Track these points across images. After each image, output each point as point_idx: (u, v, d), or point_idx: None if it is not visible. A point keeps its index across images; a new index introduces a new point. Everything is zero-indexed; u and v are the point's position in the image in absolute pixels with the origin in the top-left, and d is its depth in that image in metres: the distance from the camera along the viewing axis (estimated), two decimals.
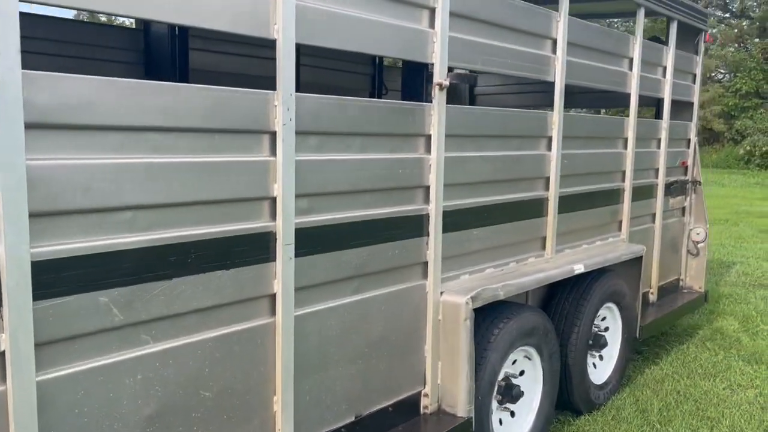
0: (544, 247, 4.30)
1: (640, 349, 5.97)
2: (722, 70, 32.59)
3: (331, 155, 2.80)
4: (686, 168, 6.29)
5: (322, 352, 2.85)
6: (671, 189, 5.98)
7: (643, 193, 5.50)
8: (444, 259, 3.44)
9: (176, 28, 4.84)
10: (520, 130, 3.94)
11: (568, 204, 4.44)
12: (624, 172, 5.14)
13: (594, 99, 7.22)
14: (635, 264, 5.09)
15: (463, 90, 7.20)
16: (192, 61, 4.98)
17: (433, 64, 3.27)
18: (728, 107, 29.91)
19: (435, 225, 3.35)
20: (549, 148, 4.21)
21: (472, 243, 3.66)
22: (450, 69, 3.46)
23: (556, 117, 4.20)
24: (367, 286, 3.07)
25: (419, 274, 3.36)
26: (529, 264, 4.12)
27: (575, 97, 7.33)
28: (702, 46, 6.22)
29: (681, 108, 6.31)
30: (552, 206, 4.25)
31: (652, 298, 5.86)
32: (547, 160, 4.19)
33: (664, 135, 5.67)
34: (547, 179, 4.23)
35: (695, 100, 6.25)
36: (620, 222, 5.20)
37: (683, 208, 6.36)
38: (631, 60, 5.06)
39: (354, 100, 2.95)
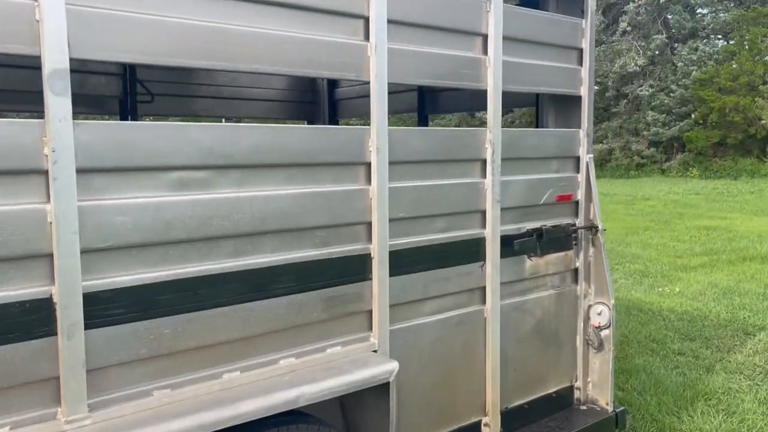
0: (57, 401, 2.10)
1: None
2: None
3: None
4: (575, 205, 3.81)
5: None
6: (532, 243, 3.54)
7: (439, 255, 3.14)
8: None
9: None
10: None
11: (149, 303, 2.23)
12: (369, 225, 2.83)
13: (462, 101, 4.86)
14: (381, 394, 2.74)
15: None
16: None
17: None
18: None
19: None
20: (46, 197, 2.04)
21: None
22: None
23: (51, 133, 2.02)
24: None
25: None
26: None
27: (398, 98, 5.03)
28: (590, 4, 3.74)
29: (560, 106, 3.86)
30: (60, 317, 2.06)
31: None
32: (38, 217, 2.02)
33: (490, 153, 3.27)
34: (49, 258, 2.05)
35: (585, 92, 3.77)
36: (368, 314, 2.88)
37: (573, 271, 3.86)
38: (366, 20, 2.77)
39: None
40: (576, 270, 3.85)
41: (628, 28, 30.84)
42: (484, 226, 3.32)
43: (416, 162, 2.99)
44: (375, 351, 2.87)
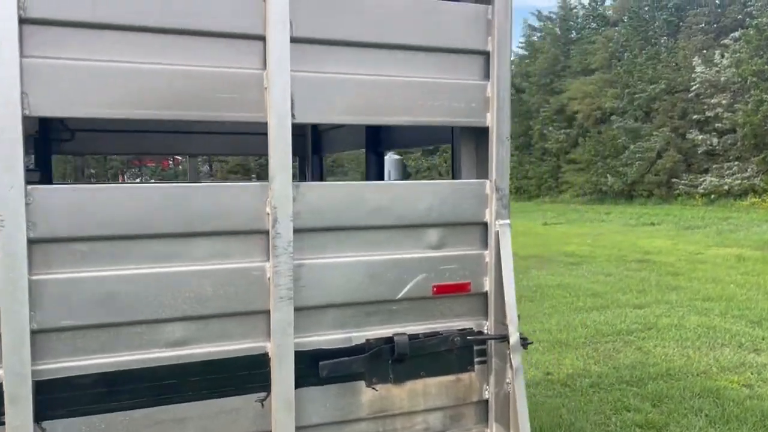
0: None
1: None
2: None
3: None
4: (481, 300, 2.37)
5: None
6: (367, 363, 2.22)
7: (165, 384, 2.00)
8: None
9: None
10: None
11: None
12: None
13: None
14: None
15: None
16: None
17: None
18: None
19: None
20: None
21: None
22: None
23: None
24: None
25: None
26: None
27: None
28: None
29: (472, 143, 2.48)
30: None
31: None
32: None
33: (273, 222, 2.05)
34: None
35: (493, 122, 2.33)
36: None
37: (479, 405, 2.41)
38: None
39: None
40: (485, 403, 2.41)
41: None
42: (267, 336, 2.11)
43: (100, 238, 1.91)
44: None
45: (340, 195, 2.18)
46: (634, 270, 11.73)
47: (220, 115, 2.03)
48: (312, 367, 2.15)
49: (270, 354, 2.10)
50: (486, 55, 2.33)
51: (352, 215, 2.19)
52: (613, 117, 31.13)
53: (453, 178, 2.56)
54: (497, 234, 2.34)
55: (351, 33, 2.13)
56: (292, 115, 2.07)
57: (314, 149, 4.67)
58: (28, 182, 1.82)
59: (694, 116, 28.53)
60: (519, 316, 2.33)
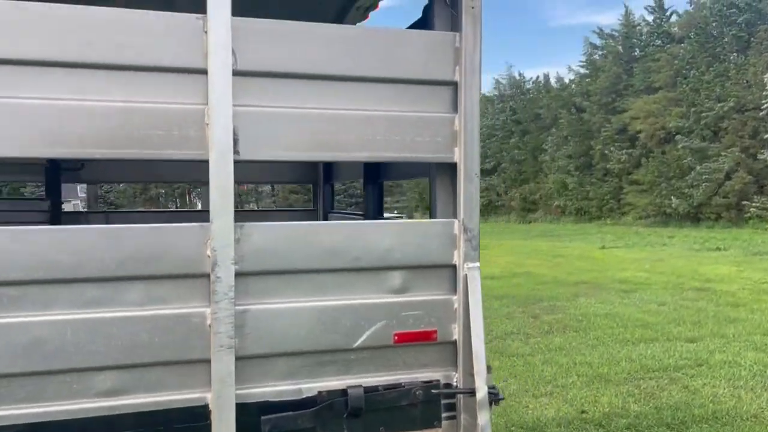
0: None
1: None
2: None
3: None
4: (449, 349, 2.18)
5: None
6: (318, 417, 2.06)
7: None
8: None
9: None
10: None
11: None
12: None
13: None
14: None
15: None
16: None
17: None
18: None
19: None
20: None
21: None
22: None
23: None
24: None
25: None
26: None
27: None
28: (473, 10, 2.14)
29: (443, 180, 2.32)
30: None
31: None
32: None
33: (212, 264, 1.93)
34: None
35: (461, 157, 2.16)
36: None
37: None
38: None
39: None
40: None
41: None
42: (207, 386, 1.98)
43: (28, 282, 1.83)
44: None
45: (288, 235, 2.04)
46: (691, 299, 11.10)
47: (159, 153, 1.94)
48: (258, 421, 2.01)
49: (210, 406, 1.97)
50: (454, 85, 2.16)
51: (302, 257, 2.04)
52: (678, 137, 30.00)
53: (429, 216, 2.38)
54: (466, 278, 2.15)
55: (300, 65, 2.01)
56: (236, 152, 1.96)
57: (326, 178, 4.56)
58: None
59: (766, 135, 27.18)
60: (489, 368, 2.13)
